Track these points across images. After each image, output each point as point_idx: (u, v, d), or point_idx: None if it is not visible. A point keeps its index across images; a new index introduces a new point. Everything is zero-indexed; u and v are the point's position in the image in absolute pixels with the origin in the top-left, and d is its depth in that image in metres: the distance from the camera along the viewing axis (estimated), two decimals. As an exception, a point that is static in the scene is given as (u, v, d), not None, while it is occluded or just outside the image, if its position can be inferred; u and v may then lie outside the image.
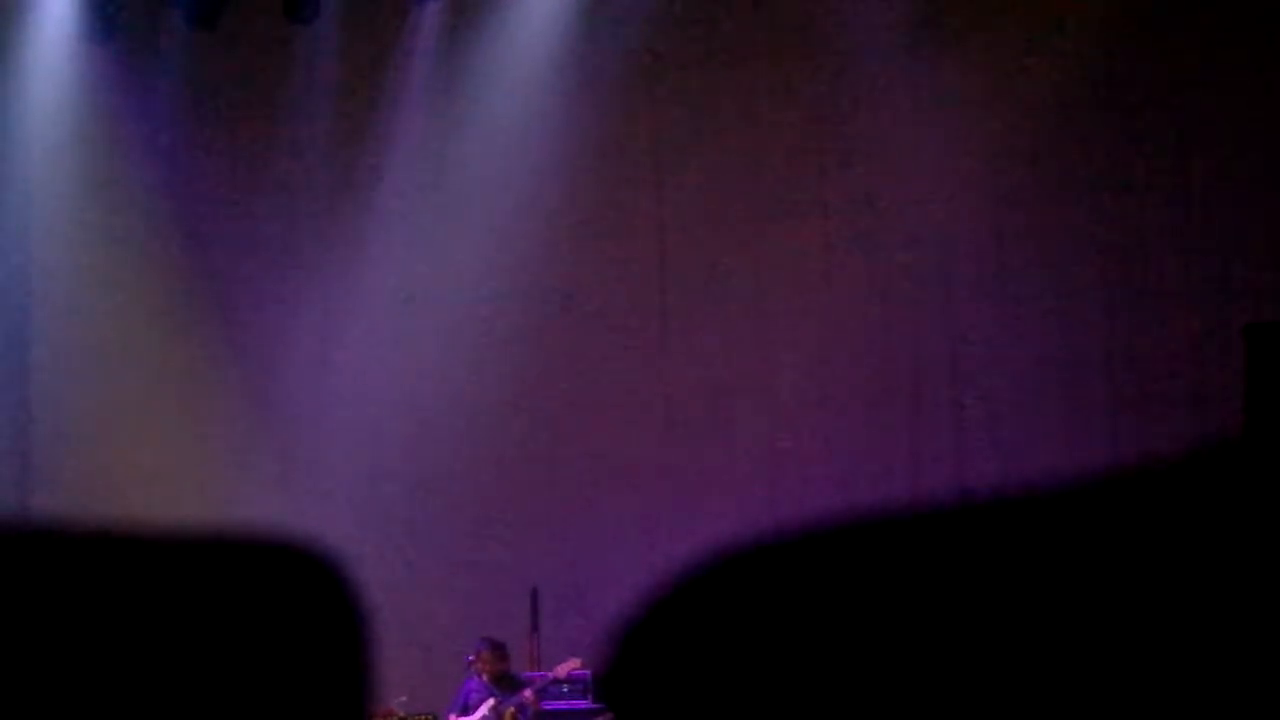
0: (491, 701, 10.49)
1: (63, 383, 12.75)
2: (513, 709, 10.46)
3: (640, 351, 11.91)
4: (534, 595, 10.92)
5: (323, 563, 1.10)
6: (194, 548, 1.09)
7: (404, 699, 10.29)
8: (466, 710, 10.54)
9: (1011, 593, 0.97)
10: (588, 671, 10.36)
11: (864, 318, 11.48)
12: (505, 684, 10.56)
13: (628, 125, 11.96)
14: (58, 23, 12.69)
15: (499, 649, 10.64)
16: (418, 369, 12.22)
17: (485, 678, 10.58)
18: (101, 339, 12.72)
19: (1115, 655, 0.95)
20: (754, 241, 11.72)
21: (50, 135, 12.76)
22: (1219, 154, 10.80)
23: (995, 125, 11.20)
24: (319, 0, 12.53)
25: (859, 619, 0.98)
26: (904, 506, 1.01)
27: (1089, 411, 10.99)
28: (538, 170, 12.09)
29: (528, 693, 10.49)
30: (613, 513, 11.78)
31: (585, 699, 10.34)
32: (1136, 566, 0.96)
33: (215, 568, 1.08)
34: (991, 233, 11.28)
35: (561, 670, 10.47)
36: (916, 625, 0.97)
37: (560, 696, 10.48)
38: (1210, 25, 10.78)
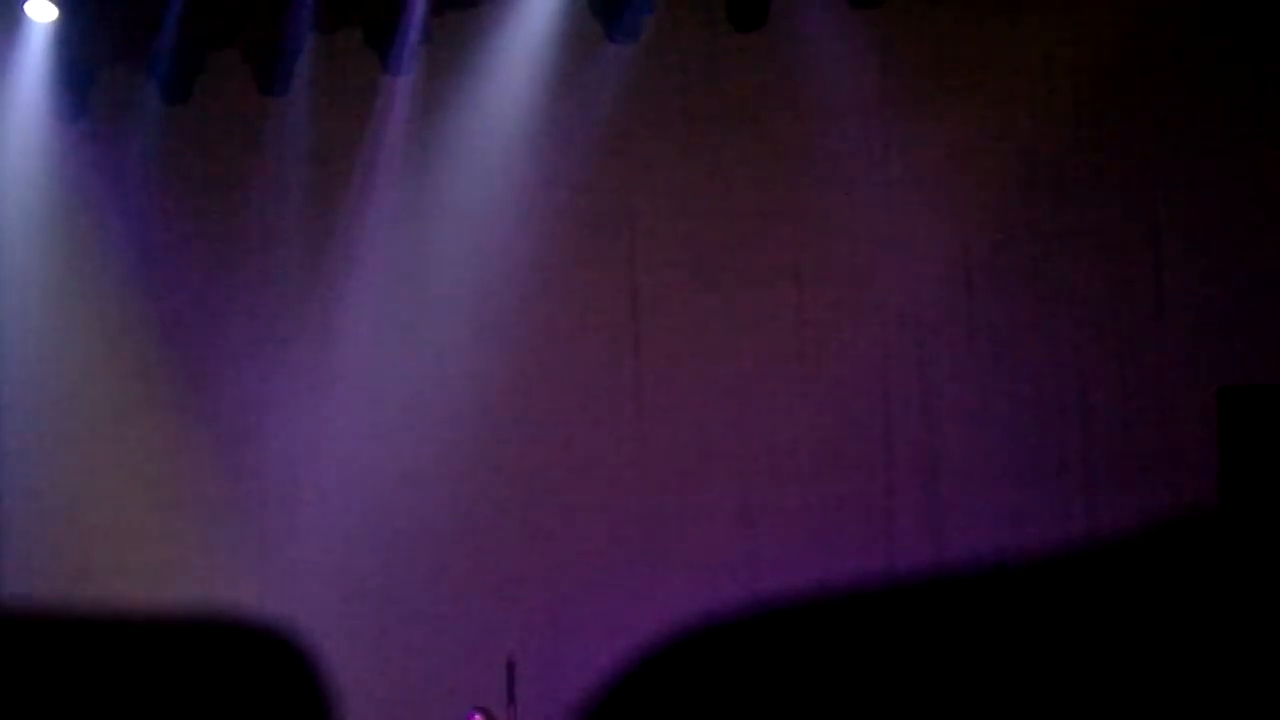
0: None
1: (33, 455, 12.70)
2: None
3: (616, 422, 11.91)
4: (510, 666, 10.87)
5: (287, 646, 1.08)
6: (154, 633, 1.08)
7: None
8: None
9: (988, 668, 0.96)
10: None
11: (837, 386, 11.49)
12: None
13: (601, 194, 12.00)
14: (28, 101, 12.71)
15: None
16: (391, 444, 12.20)
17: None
18: (73, 414, 12.68)
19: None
20: (727, 309, 11.74)
21: (22, 215, 12.75)
22: (1192, 215, 10.85)
23: (967, 191, 11.25)
24: (291, 73, 12.58)
25: (835, 694, 0.97)
26: (879, 580, 1.00)
27: (1064, 476, 10.99)
28: (509, 242, 12.11)
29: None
30: (589, 580, 11.75)
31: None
32: (1115, 641, 0.96)
33: (176, 654, 1.07)
34: (963, 297, 11.31)
35: None
36: (893, 701, 0.97)
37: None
38: (1182, 86, 10.85)
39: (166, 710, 1.05)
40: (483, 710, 10.63)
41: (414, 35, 12.33)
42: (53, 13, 12.51)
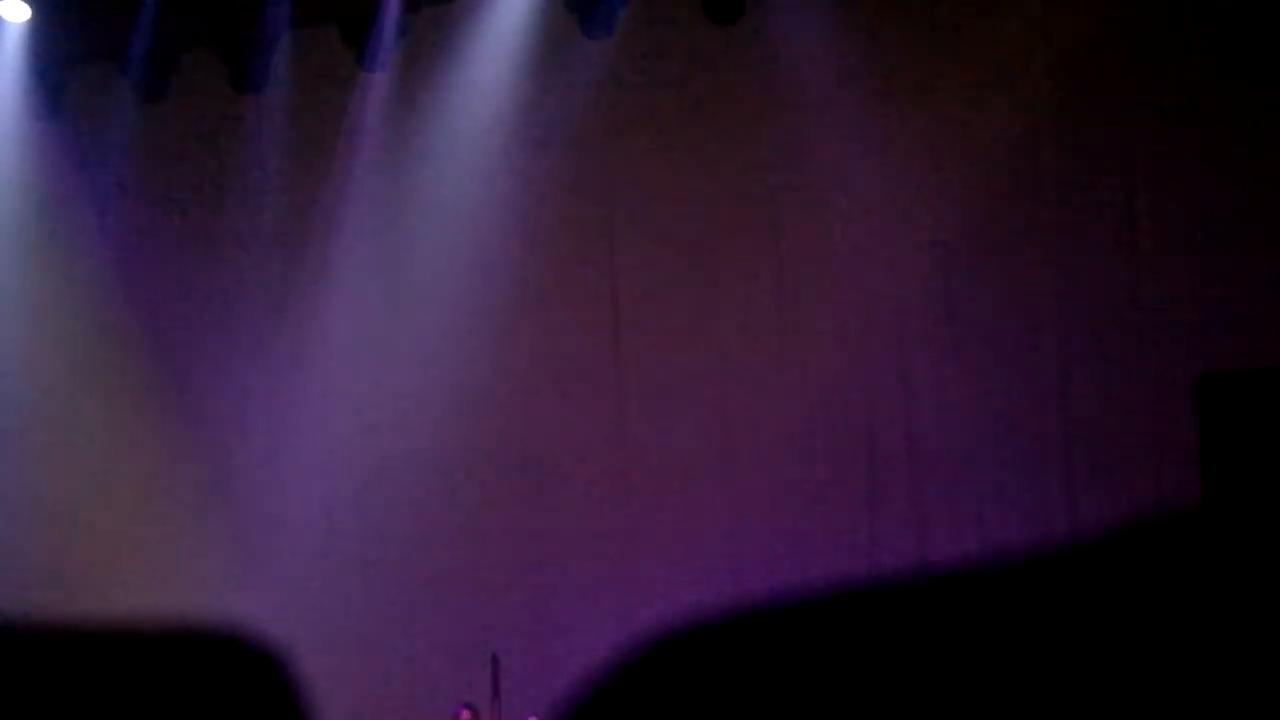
0: None
1: (14, 466, 12.64)
2: None
3: (597, 418, 11.90)
4: (494, 662, 10.90)
5: (264, 657, 1.07)
6: (132, 643, 1.07)
7: None
8: None
9: (975, 667, 0.96)
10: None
11: (819, 377, 11.50)
12: None
13: (579, 188, 11.99)
14: (2, 100, 12.66)
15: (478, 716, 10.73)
16: (373, 442, 12.19)
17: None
18: (52, 420, 12.63)
19: None
20: (707, 302, 11.74)
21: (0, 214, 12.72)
22: (1168, 206, 10.88)
23: (947, 182, 11.26)
24: (266, 70, 12.56)
25: (819, 693, 0.96)
26: (863, 580, 1.00)
27: (1045, 469, 11.01)
28: (488, 238, 12.11)
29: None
30: (574, 579, 11.75)
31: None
32: (1099, 641, 0.95)
33: (155, 663, 1.06)
34: (943, 287, 11.32)
35: None
36: (878, 699, 0.96)
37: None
38: (1158, 78, 10.88)
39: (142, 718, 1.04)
40: (469, 705, 10.69)
41: (390, 31, 12.32)
42: (26, 12, 12.47)
